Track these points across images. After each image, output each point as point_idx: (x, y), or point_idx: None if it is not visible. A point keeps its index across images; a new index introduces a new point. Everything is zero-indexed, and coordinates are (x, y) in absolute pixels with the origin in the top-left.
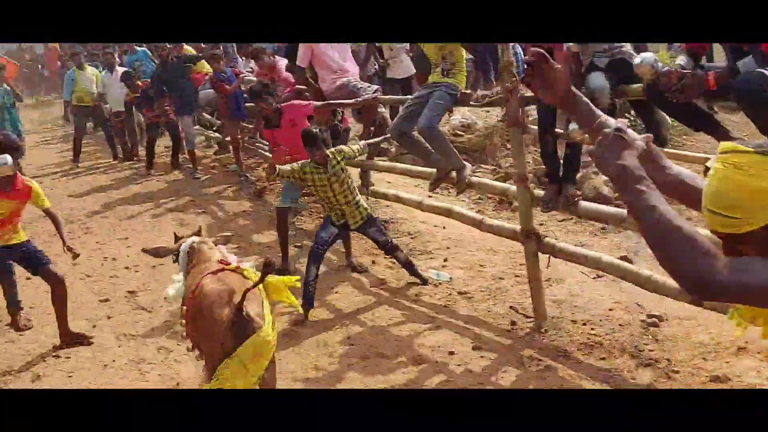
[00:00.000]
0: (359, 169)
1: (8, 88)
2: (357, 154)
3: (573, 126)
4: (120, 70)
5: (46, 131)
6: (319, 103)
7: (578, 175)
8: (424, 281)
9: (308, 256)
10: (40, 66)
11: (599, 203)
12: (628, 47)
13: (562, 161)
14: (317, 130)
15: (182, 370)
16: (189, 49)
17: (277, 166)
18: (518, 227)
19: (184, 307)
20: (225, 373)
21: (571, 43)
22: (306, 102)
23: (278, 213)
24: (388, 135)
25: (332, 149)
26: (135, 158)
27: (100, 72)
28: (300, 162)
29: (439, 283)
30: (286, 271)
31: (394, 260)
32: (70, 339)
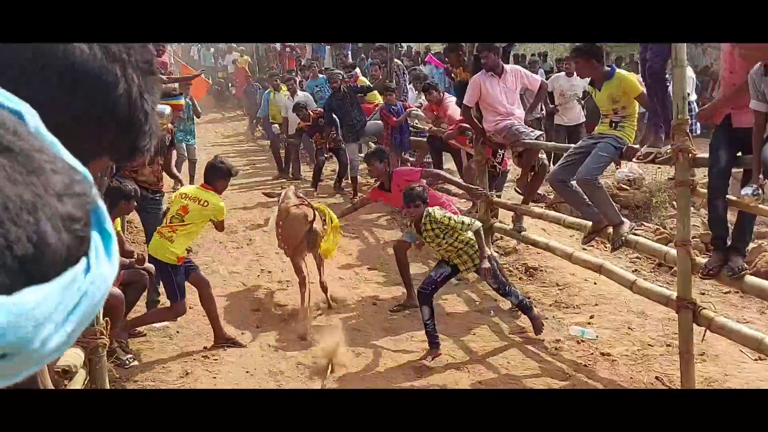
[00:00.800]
0: (513, 213)
1: (189, 102)
2: (457, 226)
3: (746, 191)
4: (300, 95)
5: (229, 144)
6: (429, 171)
7: (749, 247)
8: (537, 329)
9: (417, 296)
10: (229, 84)
11: None
12: None
13: (732, 229)
14: (419, 188)
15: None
16: (363, 80)
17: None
18: (674, 294)
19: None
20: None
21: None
22: (417, 169)
23: (395, 248)
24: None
25: (427, 216)
26: (298, 179)
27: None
28: None
29: (582, 341)
30: (411, 306)
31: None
32: (223, 341)
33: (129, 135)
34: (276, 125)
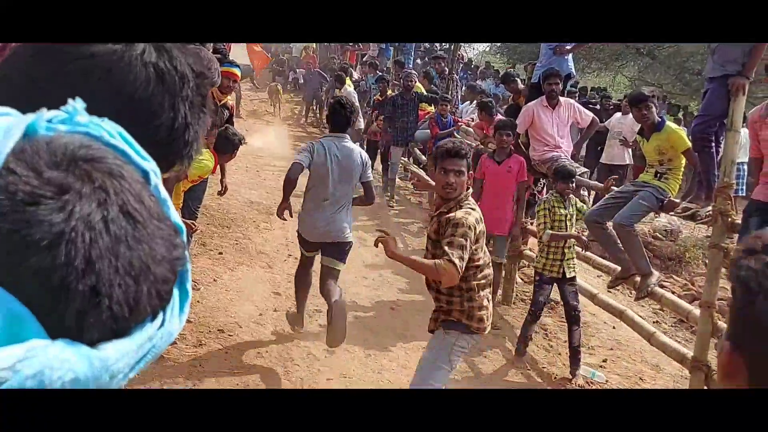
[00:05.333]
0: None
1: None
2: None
3: None
4: (344, 90)
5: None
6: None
7: None
8: (573, 375)
9: (527, 319)
10: (294, 66)
11: None
12: None
13: None
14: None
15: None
16: (419, 86)
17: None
18: (690, 354)
19: None
20: None
21: None
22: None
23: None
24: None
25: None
26: None
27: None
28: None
29: (591, 382)
30: None
31: (568, 339)
32: None
33: (166, 158)
34: None
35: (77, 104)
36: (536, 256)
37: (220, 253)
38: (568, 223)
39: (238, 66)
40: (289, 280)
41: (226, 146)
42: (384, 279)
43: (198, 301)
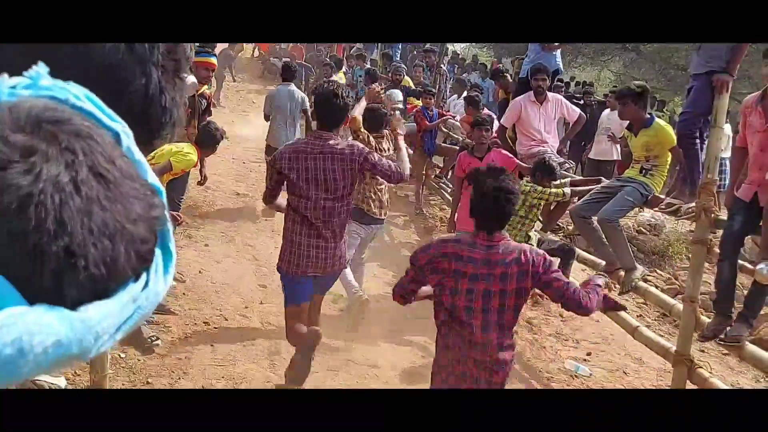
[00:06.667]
0: None
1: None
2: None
3: (762, 267)
4: (341, 81)
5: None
6: (525, 165)
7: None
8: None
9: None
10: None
11: None
12: None
13: (745, 296)
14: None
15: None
16: (408, 80)
17: None
18: (674, 348)
19: None
20: None
21: None
22: (515, 160)
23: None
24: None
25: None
26: None
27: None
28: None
29: (576, 376)
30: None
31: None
32: None
33: (145, 126)
34: None
35: (40, 69)
36: None
37: (206, 245)
38: (539, 211)
39: (214, 55)
40: (276, 274)
41: (208, 140)
42: (370, 272)
43: (184, 293)
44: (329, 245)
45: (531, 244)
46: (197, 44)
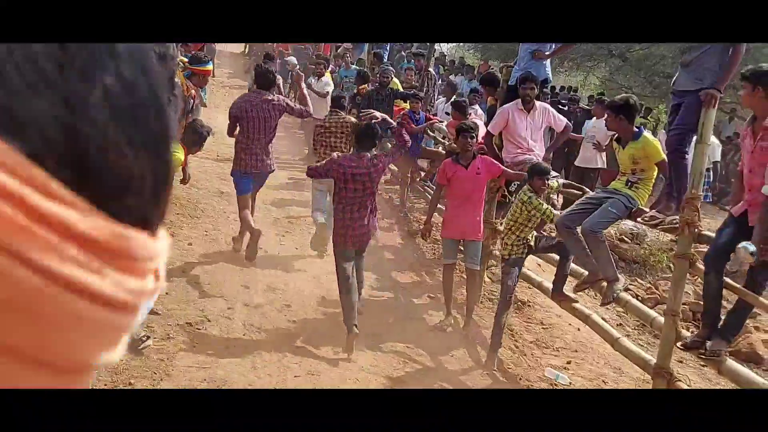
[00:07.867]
0: None
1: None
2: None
3: (746, 244)
4: (324, 80)
5: None
6: (512, 171)
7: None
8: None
9: (499, 307)
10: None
11: (750, 363)
12: None
13: (728, 311)
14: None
15: (288, 377)
16: (396, 82)
17: None
18: (653, 360)
19: None
20: None
21: None
22: (500, 167)
23: (445, 268)
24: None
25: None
26: None
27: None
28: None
29: (555, 384)
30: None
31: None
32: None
33: None
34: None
35: None
36: (500, 245)
37: (190, 244)
38: (538, 220)
39: (210, 61)
40: (259, 275)
41: (195, 139)
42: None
43: (167, 294)
44: (262, 154)
45: (530, 245)
46: (193, 50)
